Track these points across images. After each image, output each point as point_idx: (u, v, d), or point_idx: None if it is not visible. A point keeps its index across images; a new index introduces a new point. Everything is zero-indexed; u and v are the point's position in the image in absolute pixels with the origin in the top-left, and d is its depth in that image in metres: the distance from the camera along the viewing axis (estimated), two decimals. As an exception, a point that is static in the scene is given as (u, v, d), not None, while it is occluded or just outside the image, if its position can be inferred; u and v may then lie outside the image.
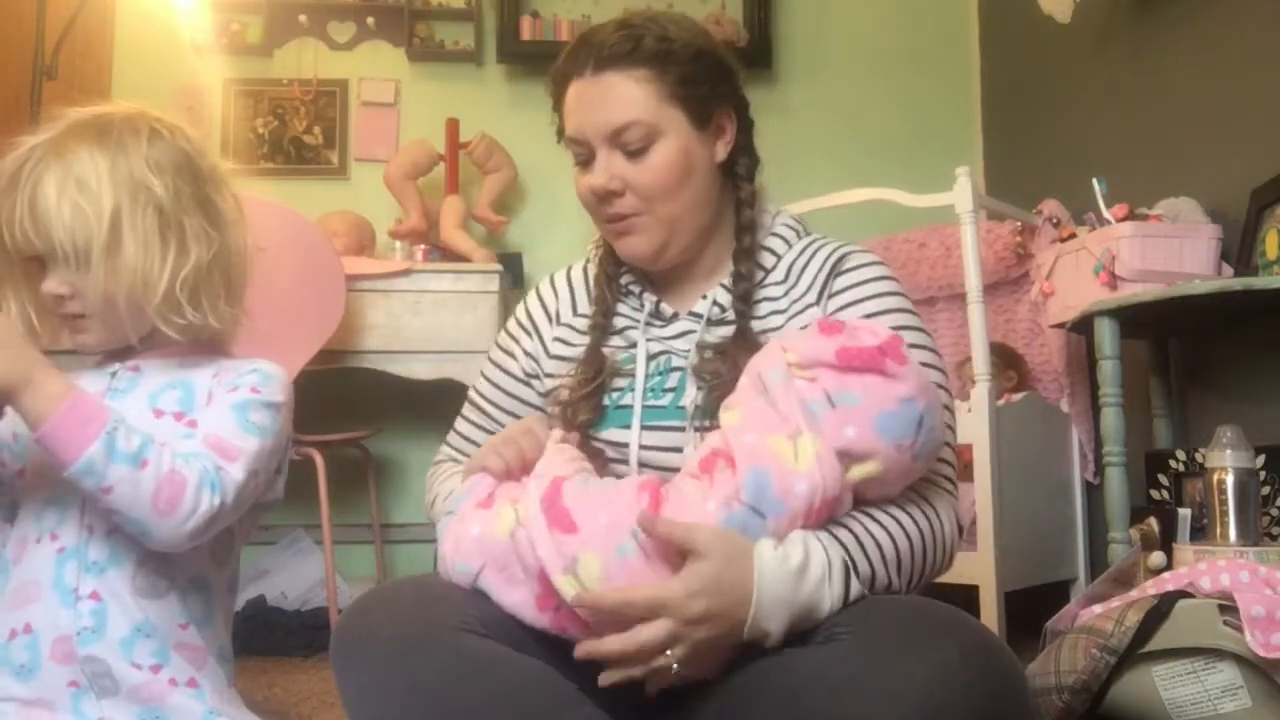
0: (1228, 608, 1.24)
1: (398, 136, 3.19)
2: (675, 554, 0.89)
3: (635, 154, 1.09)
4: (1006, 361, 2.52)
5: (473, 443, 1.23)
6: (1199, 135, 2.14)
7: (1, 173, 1.00)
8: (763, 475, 0.89)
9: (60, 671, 0.96)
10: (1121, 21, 2.44)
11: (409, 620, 0.86)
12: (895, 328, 1.07)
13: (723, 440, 0.95)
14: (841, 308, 1.11)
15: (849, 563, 0.91)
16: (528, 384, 1.22)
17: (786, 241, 1.18)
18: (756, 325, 1.11)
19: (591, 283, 1.22)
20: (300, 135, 3.19)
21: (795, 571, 0.87)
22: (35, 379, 0.93)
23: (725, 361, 1.08)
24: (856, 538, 0.93)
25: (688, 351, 1.12)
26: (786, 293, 1.14)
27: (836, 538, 0.92)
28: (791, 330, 1.09)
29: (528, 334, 1.23)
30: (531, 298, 1.26)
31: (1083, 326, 2.08)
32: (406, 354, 2.62)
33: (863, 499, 0.95)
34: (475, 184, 3.06)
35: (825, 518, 0.92)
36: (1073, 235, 2.21)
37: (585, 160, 1.13)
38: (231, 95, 3.18)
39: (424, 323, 2.64)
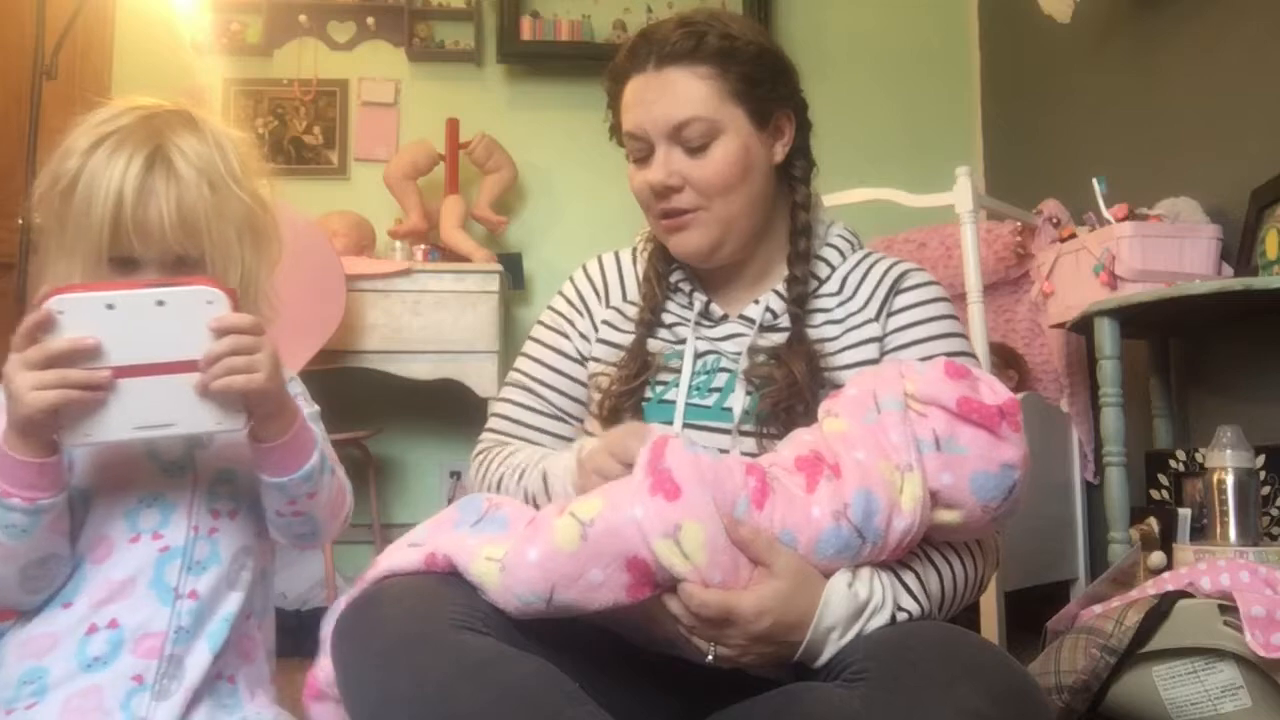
0: (1228, 608, 1.24)
1: (398, 136, 3.19)
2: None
3: (695, 150, 1.09)
4: (1006, 361, 2.52)
5: (522, 424, 1.21)
6: (1199, 135, 2.14)
7: (125, 177, 0.94)
8: (872, 501, 0.89)
9: (133, 664, 0.96)
10: (1121, 21, 2.44)
11: (410, 617, 0.86)
12: (950, 354, 1.07)
13: (824, 444, 0.95)
14: (900, 327, 1.11)
15: (900, 601, 0.92)
16: (583, 364, 1.20)
17: (841, 253, 1.18)
18: (811, 333, 1.11)
19: (640, 276, 1.21)
20: (300, 135, 3.20)
21: (857, 610, 0.89)
22: (285, 394, 0.96)
23: (779, 367, 1.08)
24: (918, 577, 0.95)
25: (737, 354, 1.11)
26: (841, 304, 1.14)
27: (902, 582, 0.93)
28: (910, 359, 1.08)
29: (579, 313, 1.22)
30: (579, 277, 1.25)
31: (1083, 326, 2.08)
32: (406, 354, 2.62)
33: (926, 536, 0.95)
34: (475, 184, 3.06)
35: (903, 554, 0.94)
36: (1073, 235, 2.21)
37: (643, 156, 1.12)
38: (231, 95, 3.18)
39: (424, 323, 2.64)
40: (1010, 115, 3.13)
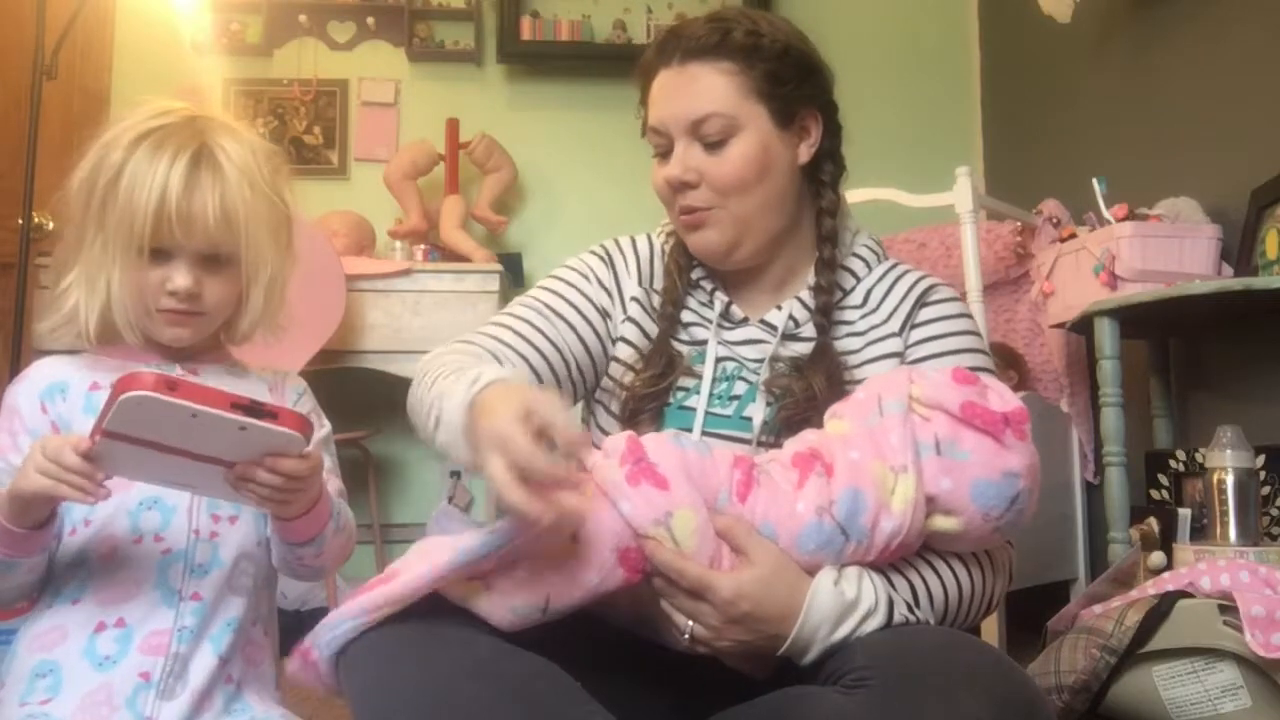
0: (1228, 608, 1.25)
1: (398, 136, 3.19)
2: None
3: (713, 146, 1.07)
4: (1006, 361, 2.52)
5: (519, 334, 1.12)
6: (1199, 135, 2.14)
7: (172, 170, 0.97)
8: (859, 500, 0.89)
9: (140, 662, 0.97)
10: (1121, 21, 2.44)
11: (415, 615, 0.86)
12: (970, 368, 1.04)
13: (823, 444, 0.95)
14: (921, 340, 1.10)
15: (895, 608, 0.91)
16: (601, 315, 1.15)
17: (866, 264, 1.16)
18: (834, 345, 1.10)
19: (661, 266, 1.19)
20: (300, 135, 3.20)
21: (845, 607, 0.88)
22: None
23: (800, 379, 1.06)
24: (911, 587, 0.93)
25: (757, 362, 1.10)
26: (864, 317, 1.12)
27: (892, 583, 0.92)
28: (922, 366, 1.07)
29: (608, 270, 1.17)
30: (610, 243, 1.21)
31: (1083, 326, 2.08)
32: (406, 354, 2.62)
33: (928, 544, 0.95)
34: (475, 184, 3.06)
35: (894, 557, 0.93)
36: (1073, 235, 2.21)
37: (664, 151, 1.11)
38: (231, 95, 3.18)
39: (424, 323, 2.64)
40: (1010, 115, 3.13)
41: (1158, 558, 1.59)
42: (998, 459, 0.90)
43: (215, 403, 0.81)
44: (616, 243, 1.21)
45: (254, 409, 0.83)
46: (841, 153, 1.18)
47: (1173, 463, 1.96)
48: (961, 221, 2.22)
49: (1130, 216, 2.03)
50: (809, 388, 1.05)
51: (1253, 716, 1.23)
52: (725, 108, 1.06)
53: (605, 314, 1.16)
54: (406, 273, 2.67)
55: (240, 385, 1.10)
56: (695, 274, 1.16)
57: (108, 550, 1.00)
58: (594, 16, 3.17)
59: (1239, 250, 1.94)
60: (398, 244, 2.88)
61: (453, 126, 3.02)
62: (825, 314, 1.10)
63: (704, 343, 1.13)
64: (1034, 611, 1.81)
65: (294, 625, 2.43)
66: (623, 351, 1.14)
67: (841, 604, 0.88)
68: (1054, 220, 2.48)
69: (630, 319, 1.15)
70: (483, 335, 1.13)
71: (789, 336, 1.11)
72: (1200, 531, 1.68)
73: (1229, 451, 1.49)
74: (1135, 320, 1.97)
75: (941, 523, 0.92)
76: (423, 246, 2.85)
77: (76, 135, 2.99)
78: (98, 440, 0.84)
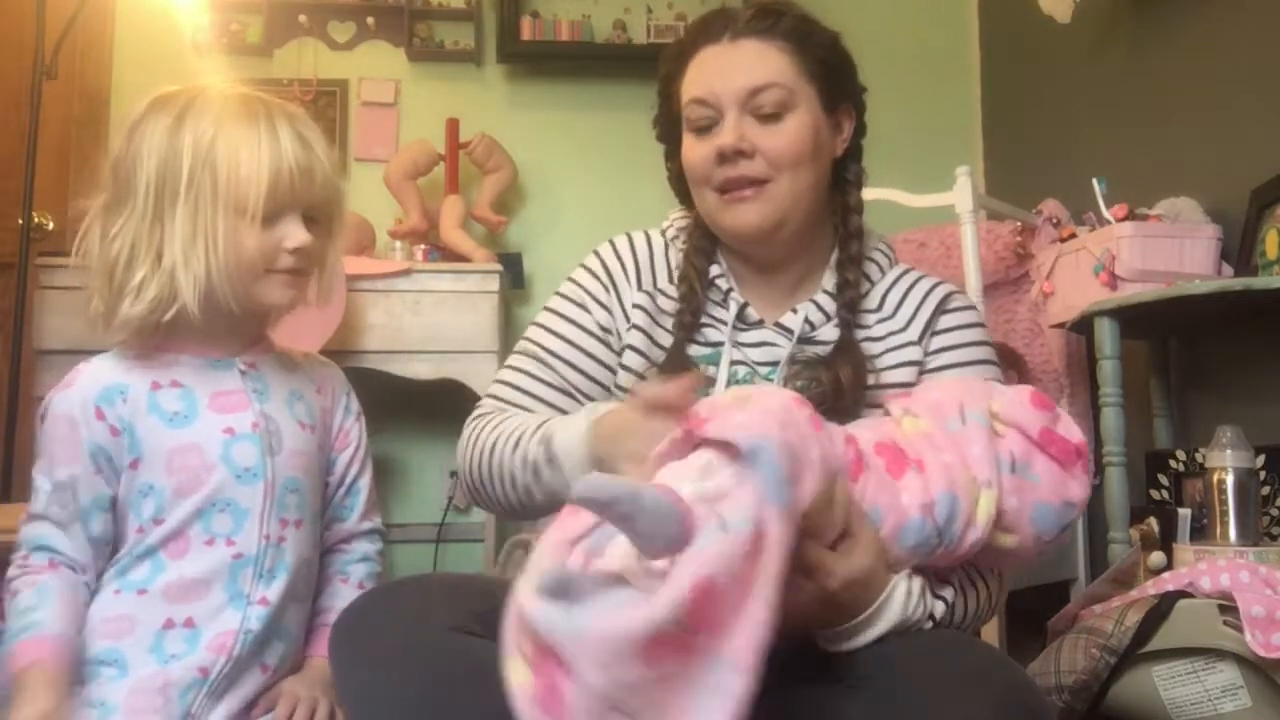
0: (1228, 608, 1.25)
1: (398, 136, 3.19)
2: None
3: (768, 119, 1.08)
4: (1006, 361, 2.51)
5: (527, 394, 1.14)
6: (1199, 135, 2.14)
7: (273, 130, 1.01)
8: (955, 505, 0.89)
9: (203, 658, 0.98)
10: (1121, 21, 2.44)
11: (409, 621, 0.86)
12: (986, 380, 1.06)
13: (904, 440, 0.93)
14: (941, 348, 1.11)
15: (935, 619, 0.92)
16: (603, 341, 1.15)
17: (880, 268, 1.17)
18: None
19: (672, 265, 1.17)
20: (300, 135, 3.19)
21: (900, 624, 0.88)
22: None
23: (827, 369, 1.05)
24: (949, 604, 0.94)
25: (767, 366, 1.09)
26: (881, 322, 1.12)
27: (942, 597, 0.93)
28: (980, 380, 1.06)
29: (605, 288, 1.16)
30: (607, 253, 1.19)
31: (1083, 326, 2.08)
32: (406, 354, 2.62)
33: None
34: (475, 184, 3.06)
35: (957, 565, 0.93)
36: (1073, 235, 2.21)
37: (706, 126, 1.10)
38: (231, 95, 3.18)
39: (424, 323, 2.63)
40: (1010, 115, 3.13)
41: (1158, 558, 1.59)
42: (1063, 487, 0.92)
43: None
44: (613, 248, 1.20)
45: None
46: (863, 156, 1.19)
47: (1173, 463, 1.96)
48: (961, 221, 2.22)
49: (1130, 216, 2.03)
50: (836, 379, 1.04)
51: (1253, 716, 1.23)
52: (784, 79, 1.08)
53: (607, 331, 1.15)
54: (406, 273, 2.67)
55: (291, 380, 1.11)
56: (712, 271, 1.14)
57: (180, 549, 1.00)
58: (594, 16, 3.17)
59: (1239, 250, 1.94)
60: (398, 244, 2.88)
61: (453, 126, 3.02)
62: (850, 309, 1.10)
63: (716, 344, 1.11)
64: (1034, 611, 1.81)
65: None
66: (632, 360, 1.13)
67: (901, 621, 0.88)
68: (1054, 220, 2.48)
69: (636, 326, 1.13)
70: (494, 399, 1.16)
71: (805, 340, 1.10)
72: (1200, 531, 1.68)
73: (1229, 451, 1.49)
74: (1135, 320, 1.97)
75: (1002, 539, 0.92)
76: (423, 246, 2.85)
77: (76, 135, 3.00)
78: None
